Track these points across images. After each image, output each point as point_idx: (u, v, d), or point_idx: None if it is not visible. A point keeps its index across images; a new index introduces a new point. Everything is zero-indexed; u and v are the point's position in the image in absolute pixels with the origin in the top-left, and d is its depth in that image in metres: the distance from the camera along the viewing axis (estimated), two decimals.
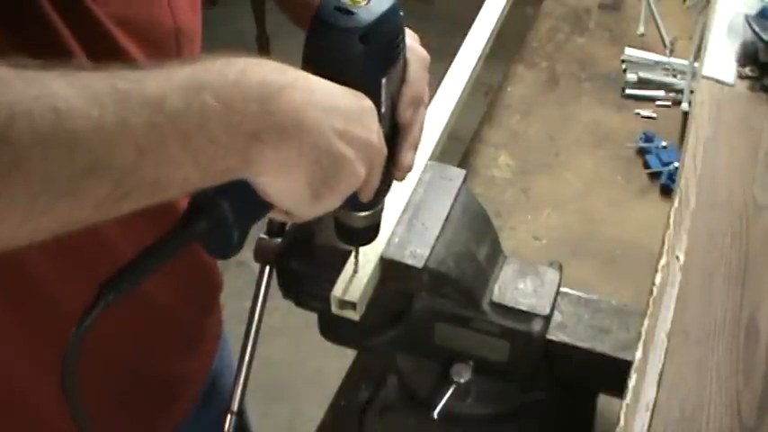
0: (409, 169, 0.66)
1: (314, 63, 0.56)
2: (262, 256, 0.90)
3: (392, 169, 0.65)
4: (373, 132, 0.57)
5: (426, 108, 0.67)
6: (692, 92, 1.27)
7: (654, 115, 1.44)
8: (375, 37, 0.56)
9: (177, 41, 0.71)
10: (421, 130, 0.66)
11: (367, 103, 0.57)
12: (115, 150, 0.43)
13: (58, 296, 0.71)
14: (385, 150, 0.60)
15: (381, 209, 0.70)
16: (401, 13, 0.58)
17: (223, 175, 0.50)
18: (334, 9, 0.55)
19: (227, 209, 0.54)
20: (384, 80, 0.59)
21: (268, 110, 0.49)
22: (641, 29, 1.58)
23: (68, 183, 0.42)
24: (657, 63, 1.52)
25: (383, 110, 0.60)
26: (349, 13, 0.55)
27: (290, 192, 0.54)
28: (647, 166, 1.34)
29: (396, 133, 0.64)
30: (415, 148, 0.66)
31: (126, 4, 0.64)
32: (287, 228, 0.90)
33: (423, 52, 0.66)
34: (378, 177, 0.60)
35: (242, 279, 2.14)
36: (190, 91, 0.46)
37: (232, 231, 0.55)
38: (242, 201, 0.54)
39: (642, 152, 1.36)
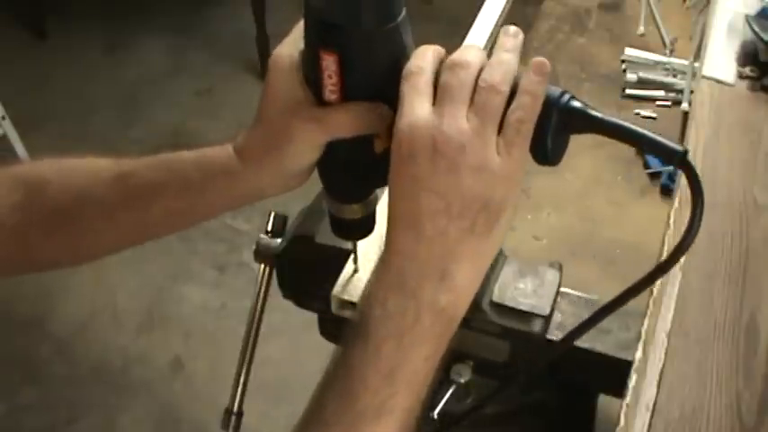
0: None
1: None
2: (262, 256, 0.90)
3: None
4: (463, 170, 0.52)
5: None
6: (692, 92, 1.27)
7: (654, 115, 1.45)
8: None
9: None
10: None
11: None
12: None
13: None
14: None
15: (375, 199, 0.66)
16: None
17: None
18: None
19: None
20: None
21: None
22: (641, 29, 1.58)
23: None
24: (657, 63, 1.52)
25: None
26: None
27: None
28: (647, 166, 1.34)
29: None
30: None
31: None
32: (287, 228, 0.90)
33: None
34: None
35: (242, 279, 2.14)
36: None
37: None
38: None
39: (642, 152, 1.36)
